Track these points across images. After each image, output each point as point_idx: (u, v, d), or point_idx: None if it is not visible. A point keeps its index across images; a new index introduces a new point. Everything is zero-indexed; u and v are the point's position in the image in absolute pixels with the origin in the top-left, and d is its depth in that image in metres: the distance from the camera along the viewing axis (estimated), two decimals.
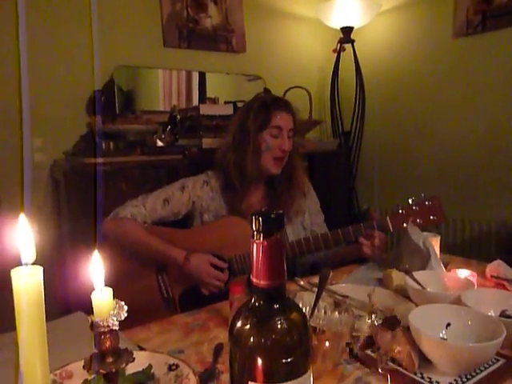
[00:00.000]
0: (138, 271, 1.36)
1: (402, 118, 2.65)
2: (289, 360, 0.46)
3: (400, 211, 1.27)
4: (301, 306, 0.86)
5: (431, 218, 1.25)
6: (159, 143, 2.06)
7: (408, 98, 2.62)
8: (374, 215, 1.30)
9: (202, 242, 1.35)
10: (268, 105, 1.37)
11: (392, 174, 2.72)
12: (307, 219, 1.49)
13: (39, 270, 0.43)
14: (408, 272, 1.02)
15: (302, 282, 1.15)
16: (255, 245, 0.47)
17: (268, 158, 1.37)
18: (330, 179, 2.55)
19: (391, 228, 1.27)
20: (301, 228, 1.48)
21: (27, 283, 0.42)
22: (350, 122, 2.80)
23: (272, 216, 0.47)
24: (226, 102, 2.43)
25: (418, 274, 1.03)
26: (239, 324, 0.48)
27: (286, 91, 2.55)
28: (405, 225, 1.26)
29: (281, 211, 0.47)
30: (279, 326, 0.47)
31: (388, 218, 1.28)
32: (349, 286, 1.09)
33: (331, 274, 0.94)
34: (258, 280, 0.47)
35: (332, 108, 2.85)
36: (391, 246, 2.54)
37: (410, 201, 1.27)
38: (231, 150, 1.39)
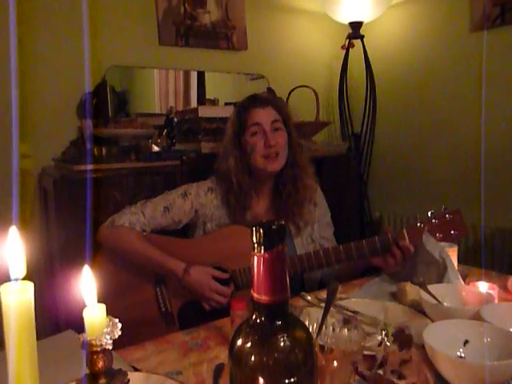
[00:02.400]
0: (135, 282, 1.37)
1: (417, 117, 2.66)
2: (292, 380, 0.47)
3: (418, 224, 1.28)
4: (307, 322, 0.87)
5: (452, 232, 1.26)
6: (155, 148, 2.07)
7: (423, 96, 2.63)
8: (388, 229, 1.30)
9: (203, 253, 1.36)
10: (245, 106, 1.40)
11: (406, 179, 2.72)
12: (316, 231, 1.50)
13: (30, 286, 0.44)
14: (423, 285, 1.03)
15: (308, 297, 1.16)
16: (256, 258, 0.48)
17: (257, 159, 1.38)
18: (340, 185, 2.56)
19: (408, 242, 1.27)
20: (309, 240, 1.48)
21: (17, 300, 0.43)
22: (360, 124, 2.81)
23: (273, 227, 0.48)
24: (226, 104, 2.45)
25: (433, 288, 1.03)
26: (239, 342, 0.49)
27: (291, 91, 2.57)
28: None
29: (282, 222, 0.48)
30: (282, 344, 0.48)
31: (405, 231, 1.28)
32: (359, 300, 1.10)
33: (340, 287, 0.95)
34: (260, 295, 0.48)
35: (340, 108, 2.86)
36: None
37: (429, 213, 1.28)
38: (222, 160, 1.42)
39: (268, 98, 1.43)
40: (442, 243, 1.24)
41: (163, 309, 1.35)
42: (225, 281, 1.31)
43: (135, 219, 1.37)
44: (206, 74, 2.54)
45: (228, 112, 2.27)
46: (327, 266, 1.33)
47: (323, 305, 0.92)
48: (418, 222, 1.28)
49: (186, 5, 2.45)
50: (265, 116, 1.38)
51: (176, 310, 1.35)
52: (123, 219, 1.36)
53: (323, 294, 1.14)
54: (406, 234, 1.28)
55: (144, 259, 1.33)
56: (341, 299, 1.11)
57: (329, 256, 1.30)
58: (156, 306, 1.36)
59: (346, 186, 2.60)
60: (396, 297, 1.16)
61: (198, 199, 1.43)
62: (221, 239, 1.38)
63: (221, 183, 1.44)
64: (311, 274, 1.44)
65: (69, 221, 1.83)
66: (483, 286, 1.12)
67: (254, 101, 1.41)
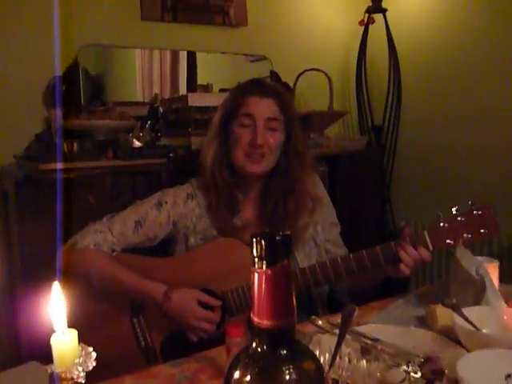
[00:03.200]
0: (108, 313, 1.37)
1: (450, 107, 2.66)
2: None
3: (441, 224, 1.27)
4: (318, 352, 0.87)
5: (482, 231, 1.25)
6: (136, 143, 2.08)
7: (457, 82, 2.62)
8: (407, 231, 1.30)
9: (187, 273, 1.36)
10: (242, 90, 1.40)
11: (438, 181, 2.72)
12: (320, 234, 1.49)
13: None
14: (457, 308, 1.03)
15: (320, 322, 1.16)
16: (256, 275, 0.49)
17: (238, 154, 1.38)
18: (357, 188, 2.56)
19: (430, 246, 1.27)
20: (312, 245, 1.47)
21: None
22: (381, 114, 2.82)
23: (278, 238, 0.48)
24: (221, 90, 2.46)
25: (469, 311, 1.04)
26: (237, 375, 0.49)
27: (299, 75, 2.58)
28: (447, 241, 1.26)
29: (288, 232, 0.48)
30: (287, 378, 0.48)
31: (426, 234, 1.27)
32: (380, 326, 1.10)
33: (357, 310, 0.95)
34: (261, 319, 0.49)
35: (358, 96, 2.87)
36: (434, 275, 2.53)
37: (454, 210, 1.28)
38: (203, 151, 1.43)
39: (272, 89, 1.43)
40: (480, 258, 1.24)
41: (143, 343, 1.35)
42: (212, 307, 1.31)
43: (101, 238, 1.36)
44: (197, 55, 2.55)
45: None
46: (336, 280, 1.33)
47: (337, 331, 0.92)
48: (440, 221, 1.27)
49: None
50: (261, 108, 1.38)
51: (158, 343, 1.35)
52: (87, 240, 1.36)
53: (337, 319, 1.14)
54: (427, 237, 1.27)
55: (116, 285, 1.33)
56: (358, 324, 1.11)
57: (337, 267, 1.30)
58: (134, 340, 1.36)
59: (365, 189, 2.60)
60: (424, 322, 1.16)
61: (176, 209, 1.42)
62: (208, 255, 1.38)
63: (202, 184, 1.44)
64: (318, 290, 1.44)
65: (33, 230, 1.83)
66: None
67: (254, 86, 1.41)
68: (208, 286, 1.34)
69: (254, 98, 1.38)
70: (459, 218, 1.27)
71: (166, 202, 1.42)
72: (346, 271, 1.30)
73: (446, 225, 1.27)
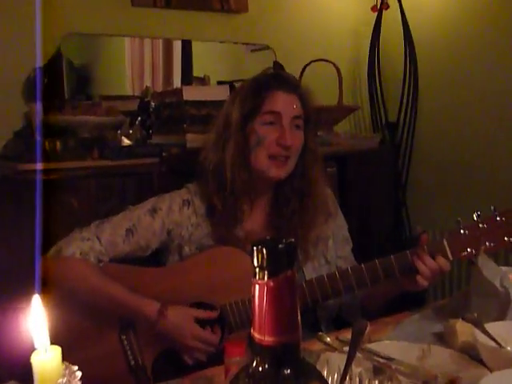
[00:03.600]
0: (95, 329, 1.37)
1: (473, 100, 2.65)
2: None
3: (462, 231, 1.28)
4: (326, 372, 0.87)
5: (506, 239, 1.26)
6: (125, 141, 2.08)
7: (482, 72, 2.61)
8: (424, 238, 1.30)
9: (181, 285, 1.36)
10: (260, 84, 1.40)
11: (460, 183, 2.72)
12: (331, 249, 1.50)
13: None
14: (479, 323, 1.03)
15: (328, 339, 1.16)
16: (257, 286, 0.49)
17: (261, 156, 1.37)
18: (369, 191, 2.56)
19: (450, 255, 1.28)
20: (323, 261, 1.48)
21: None
22: (396, 109, 2.82)
23: (280, 246, 0.48)
24: (220, 83, 2.47)
25: (493, 327, 1.04)
26: None
27: (305, 66, 2.58)
28: (468, 250, 1.26)
29: (292, 239, 0.49)
30: None
31: (445, 242, 1.28)
32: (394, 343, 1.10)
33: (369, 326, 0.95)
34: (262, 335, 0.49)
35: (371, 89, 2.87)
36: (453, 286, 2.53)
37: (475, 216, 1.28)
38: (211, 151, 1.42)
39: (297, 84, 1.44)
40: (504, 268, 1.24)
41: (132, 362, 1.36)
42: (211, 322, 1.32)
43: (88, 247, 1.37)
44: (192, 45, 2.55)
45: (222, 94, 2.29)
46: (346, 293, 1.33)
47: (347, 349, 0.92)
48: (460, 227, 1.28)
49: None
50: (288, 105, 1.38)
51: (149, 362, 1.35)
52: (72, 248, 1.36)
53: (347, 335, 1.14)
54: (446, 246, 1.28)
55: (104, 300, 1.34)
56: (370, 342, 1.11)
57: (348, 278, 1.30)
58: (123, 358, 1.36)
59: (378, 193, 2.60)
60: (443, 339, 1.16)
61: (171, 216, 1.42)
62: (204, 265, 1.38)
63: (201, 190, 1.44)
64: (325, 304, 1.44)
65: (11, 237, 1.83)
66: None
67: (278, 80, 1.41)
68: (205, 299, 1.34)
69: (280, 93, 1.38)
70: (481, 225, 1.27)
71: (161, 209, 1.42)
72: (358, 283, 1.30)
73: (467, 232, 1.27)
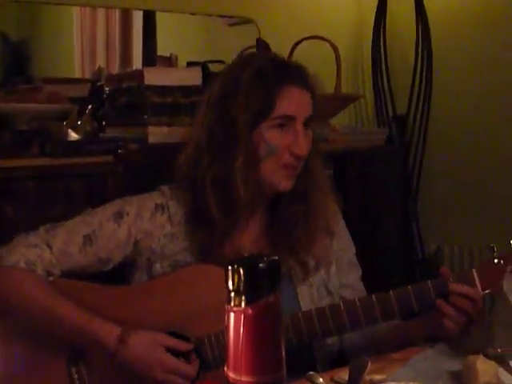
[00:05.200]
0: (36, 359, 1.35)
1: (498, 91, 2.67)
2: None
3: (495, 260, 1.29)
4: None
5: None
6: (73, 135, 2.07)
7: (509, 57, 2.63)
8: (446, 272, 1.31)
9: (149, 310, 1.36)
10: (267, 75, 1.38)
11: (481, 189, 2.73)
12: (334, 277, 1.51)
13: None
14: (503, 360, 1.04)
15: (320, 380, 1.17)
16: (232, 315, 0.49)
17: (271, 167, 1.38)
18: (374, 197, 2.58)
19: (480, 289, 1.28)
20: (323, 293, 1.49)
21: None
22: (406, 100, 2.84)
23: (261, 265, 0.49)
24: (190, 64, 2.46)
25: None
26: None
27: (296, 45, 2.59)
28: (501, 283, 1.27)
29: (275, 257, 0.49)
30: None
31: (475, 273, 1.29)
32: None
33: (370, 364, 0.96)
34: (238, 375, 0.49)
35: (375, 75, 2.89)
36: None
37: None
38: (207, 160, 1.40)
39: (308, 75, 1.43)
40: None
41: None
42: (186, 354, 1.31)
43: (35, 256, 1.36)
44: (157, 16, 2.55)
45: (192, 77, 2.29)
46: (352, 329, 1.34)
47: None
48: (494, 256, 1.29)
49: None
50: (303, 106, 1.39)
51: None
52: (15, 256, 1.35)
53: (343, 375, 1.15)
54: (476, 277, 1.28)
55: (50, 320, 1.33)
56: (372, 383, 1.12)
57: (354, 312, 1.31)
58: None
59: (384, 200, 2.62)
60: (461, 378, 1.17)
61: (140, 224, 1.42)
62: (178, 287, 1.38)
63: (182, 195, 1.44)
64: (325, 342, 1.45)
65: None
66: None
67: (292, 73, 1.40)
68: (178, 328, 1.33)
69: (294, 90, 1.37)
70: None
71: (128, 214, 1.42)
72: (366, 318, 1.31)
73: (502, 261, 1.28)
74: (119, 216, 1.42)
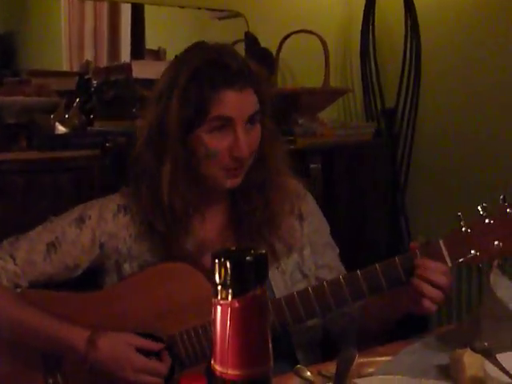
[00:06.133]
0: (14, 372, 1.35)
1: (486, 85, 2.67)
2: None
3: (463, 229, 1.27)
4: None
5: None
6: (60, 128, 2.07)
7: (498, 51, 2.63)
8: (414, 246, 1.30)
9: (121, 313, 1.35)
10: (202, 79, 1.32)
11: (470, 182, 2.73)
12: (309, 259, 1.50)
13: None
14: (490, 354, 1.04)
15: (308, 373, 1.17)
16: (219, 308, 0.49)
17: (212, 169, 1.35)
18: (362, 191, 2.58)
19: (449, 261, 1.27)
20: (298, 276, 1.49)
21: None
22: (395, 94, 2.84)
23: (248, 258, 0.49)
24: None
25: (506, 358, 1.05)
26: None
27: (285, 39, 2.59)
28: (472, 252, 1.25)
29: (262, 250, 0.49)
30: None
31: (442, 243, 1.28)
32: (389, 378, 1.11)
33: (357, 357, 0.96)
34: (225, 368, 0.49)
35: (364, 69, 2.89)
36: (462, 309, 2.55)
37: (480, 209, 1.27)
38: (144, 154, 1.38)
39: (249, 72, 1.36)
40: None
41: None
42: (158, 354, 1.30)
43: (0, 268, 1.36)
44: (145, 9, 2.54)
45: None
46: (323, 313, 1.34)
47: None
48: (461, 224, 1.28)
49: None
50: (242, 107, 1.33)
51: None
52: None
53: (330, 368, 1.15)
54: (443, 248, 1.27)
55: (21, 331, 1.33)
56: (360, 376, 1.12)
57: (323, 296, 1.30)
58: None
59: (372, 194, 2.62)
60: (448, 372, 1.17)
61: (103, 226, 1.41)
62: (147, 286, 1.37)
63: (137, 195, 1.42)
64: (302, 327, 1.43)
65: None
66: None
67: (227, 76, 1.32)
68: (149, 328, 1.33)
69: (230, 93, 1.31)
70: (487, 221, 1.27)
71: (90, 217, 1.41)
72: (336, 300, 1.31)
73: (469, 230, 1.27)
74: (81, 221, 1.40)
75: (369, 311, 1.42)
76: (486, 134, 2.70)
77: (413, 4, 2.76)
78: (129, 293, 1.39)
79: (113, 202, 1.44)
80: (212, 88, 1.30)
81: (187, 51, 1.42)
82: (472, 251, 1.26)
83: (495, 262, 1.26)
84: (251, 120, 1.36)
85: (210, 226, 1.45)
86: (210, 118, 1.31)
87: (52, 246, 1.38)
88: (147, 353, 1.29)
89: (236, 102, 1.32)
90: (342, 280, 1.31)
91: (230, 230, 1.46)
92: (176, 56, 1.49)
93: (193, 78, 1.32)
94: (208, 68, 1.32)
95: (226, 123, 1.32)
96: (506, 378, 1.01)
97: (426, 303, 1.26)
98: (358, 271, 1.30)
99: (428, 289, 1.25)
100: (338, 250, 1.56)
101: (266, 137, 1.42)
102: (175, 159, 1.34)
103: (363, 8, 2.85)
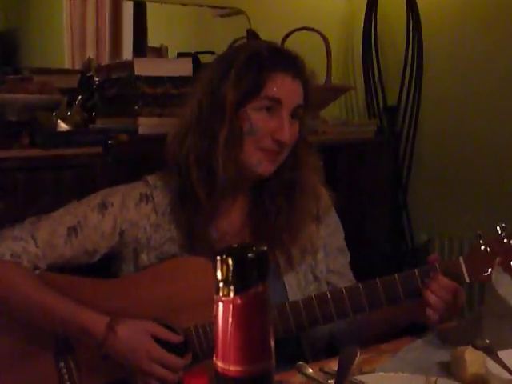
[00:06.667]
0: (23, 353, 1.35)
1: (490, 81, 2.66)
2: None
3: (482, 247, 1.29)
4: None
5: None
6: (62, 126, 2.06)
7: (502, 46, 2.63)
8: (433, 259, 1.32)
9: (135, 303, 1.36)
10: (261, 60, 1.38)
11: (472, 180, 2.73)
12: (321, 262, 1.50)
13: None
14: (491, 351, 1.05)
15: (309, 370, 1.17)
16: (221, 305, 0.49)
17: (250, 148, 1.37)
18: (364, 189, 2.58)
19: (467, 277, 1.29)
20: (310, 278, 1.49)
21: None
22: (397, 91, 2.84)
23: (250, 255, 0.49)
24: (180, 55, 2.46)
25: (508, 355, 1.05)
26: None
27: (286, 36, 2.59)
28: (489, 271, 1.28)
29: (264, 247, 0.49)
30: None
31: (462, 260, 1.29)
32: (391, 376, 1.11)
33: (359, 354, 0.96)
34: (227, 365, 0.49)
35: (366, 66, 2.88)
36: (464, 306, 2.55)
37: (499, 229, 1.29)
38: (192, 136, 1.39)
39: (303, 66, 1.43)
40: None
41: None
42: (176, 347, 1.30)
43: (21, 248, 1.36)
44: (147, 6, 2.54)
45: (183, 68, 2.29)
46: (339, 319, 1.34)
47: (332, 382, 0.93)
48: (480, 243, 1.29)
49: None
50: (292, 94, 1.39)
51: None
52: (1, 249, 1.35)
53: (332, 365, 1.15)
54: (463, 266, 1.29)
55: (37, 312, 1.32)
56: (361, 373, 1.12)
57: (341, 301, 1.31)
58: None
59: (374, 191, 2.62)
60: (449, 369, 1.17)
61: (125, 213, 1.42)
62: (165, 279, 1.38)
63: (168, 183, 1.44)
64: (313, 331, 1.45)
65: None
66: None
67: (285, 61, 1.40)
68: (165, 320, 1.33)
69: (285, 77, 1.37)
70: (505, 240, 1.28)
71: (113, 204, 1.42)
72: (354, 307, 1.31)
73: (489, 248, 1.29)
74: (104, 207, 1.41)
75: (381, 317, 1.42)
76: (487, 132, 2.69)
77: (415, 1, 2.76)
78: (145, 284, 1.39)
79: (136, 190, 1.44)
80: (269, 69, 1.36)
81: (240, 44, 1.49)
82: (489, 269, 1.28)
83: (497, 257, 1.26)
84: (295, 113, 1.40)
85: (233, 219, 1.46)
86: (261, 96, 1.36)
87: (73, 230, 1.39)
88: (167, 346, 1.28)
89: (288, 87, 1.37)
90: (360, 287, 1.32)
91: (247, 229, 1.46)
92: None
93: (252, 58, 1.38)
94: (268, 52, 1.39)
95: (274, 105, 1.36)
96: (507, 375, 1.01)
97: (429, 312, 1.28)
98: (377, 280, 1.31)
99: (433, 299, 1.27)
100: (349, 258, 1.56)
101: (302, 139, 1.45)
102: (232, 131, 1.36)
103: (365, 5, 2.84)
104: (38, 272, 1.38)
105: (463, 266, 1.29)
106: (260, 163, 1.37)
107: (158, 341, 1.29)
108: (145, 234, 1.42)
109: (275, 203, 1.43)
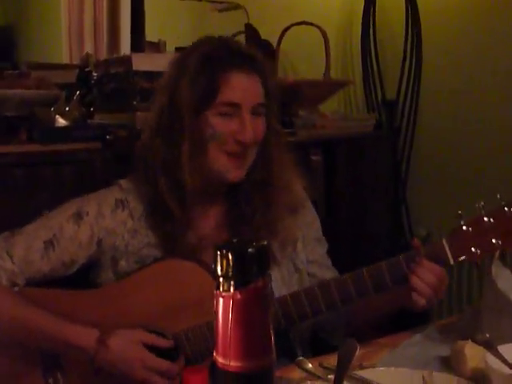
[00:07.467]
0: (13, 371, 1.35)
1: (489, 76, 2.67)
2: None
3: (464, 228, 1.29)
4: None
5: None
6: (61, 121, 2.06)
7: (501, 41, 2.63)
8: (417, 244, 1.32)
9: (121, 311, 1.35)
10: (213, 60, 1.36)
11: (472, 174, 2.73)
12: (301, 254, 1.51)
13: None
14: (491, 346, 1.05)
15: (309, 366, 1.17)
16: (221, 300, 0.49)
17: (215, 153, 1.36)
18: (363, 184, 2.58)
19: (451, 259, 1.29)
20: (292, 269, 1.49)
21: None
22: (395, 85, 2.84)
23: (250, 250, 0.49)
24: (178, 49, 2.45)
25: (508, 349, 1.05)
26: None
27: (285, 30, 2.58)
28: (473, 250, 1.27)
29: (264, 242, 0.49)
30: None
31: (445, 242, 1.29)
32: (391, 370, 1.11)
33: (359, 349, 0.96)
34: (227, 360, 0.49)
35: (365, 60, 2.88)
36: (463, 301, 2.55)
37: (479, 208, 1.29)
38: (157, 144, 1.39)
39: (258, 59, 1.41)
40: None
41: None
42: (167, 352, 1.30)
43: None
44: (145, 1, 2.53)
45: None
46: (328, 311, 1.34)
47: (332, 377, 0.93)
48: (462, 223, 1.29)
49: None
50: (250, 92, 1.37)
51: None
52: None
53: (332, 360, 1.15)
54: (446, 247, 1.29)
55: (21, 330, 1.32)
56: (361, 368, 1.12)
57: (330, 295, 1.31)
58: None
59: (373, 186, 2.62)
60: (449, 364, 1.17)
61: (102, 222, 1.41)
62: (149, 284, 1.37)
63: (141, 186, 1.43)
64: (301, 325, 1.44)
65: None
66: None
67: (237, 58, 1.37)
68: (153, 326, 1.32)
69: (239, 75, 1.35)
70: (486, 219, 1.28)
71: (88, 213, 1.41)
72: (342, 298, 1.31)
73: (470, 229, 1.29)
74: (79, 217, 1.40)
75: (367, 304, 1.42)
76: (487, 126, 2.70)
77: None
78: (131, 291, 1.38)
79: (110, 196, 1.44)
80: (221, 69, 1.34)
81: (194, 43, 1.46)
82: (472, 249, 1.28)
83: (496, 254, 1.27)
84: (256, 111, 1.38)
85: (210, 222, 1.45)
86: (218, 103, 1.34)
87: (50, 244, 1.38)
88: (160, 354, 1.28)
89: (243, 86, 1.36)
90: (347, 278, 1.32)
91: (225, 229, 1.45)
92: (180, 48, 1.52)
93: (203, 61, 1.36)
94: (217, 51, 1.37)
95: (233, 111, 1.35)
96: (507, 370, 1.01)
97: (415, 296, 1.27)
98: (364, 269, 1.31)
99: (419, 284, 1.27)
100: (327, 247, 1.56)
101: (271, 137, 1.44)
102: (192, 138, 1.35)
103: None
104: (16, 289, 1.37)
105: (447, 248, 1.29)
106: (229, 170, 1.37)
107: (149, 348, 1.28)
108: (122, 240, 1.42)
109: (251, 204, 1.43)
